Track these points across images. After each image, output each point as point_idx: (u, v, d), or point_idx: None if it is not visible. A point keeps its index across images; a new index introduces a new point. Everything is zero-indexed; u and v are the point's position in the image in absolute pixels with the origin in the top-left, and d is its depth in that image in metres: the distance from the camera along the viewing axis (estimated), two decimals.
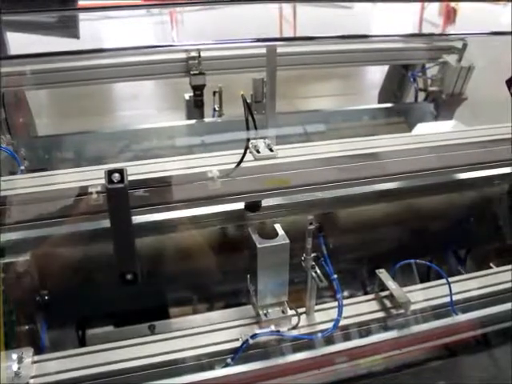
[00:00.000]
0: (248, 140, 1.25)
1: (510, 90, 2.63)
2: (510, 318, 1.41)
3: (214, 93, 2.33)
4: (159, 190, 1.15)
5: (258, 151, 1.25)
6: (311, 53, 2.55)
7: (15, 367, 1.13)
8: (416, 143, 1.50)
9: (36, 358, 1.18)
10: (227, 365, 1.23)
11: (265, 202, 1.41)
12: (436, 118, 2.67)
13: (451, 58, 2.53)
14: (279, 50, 2.43)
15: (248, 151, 1.24)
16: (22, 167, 1.58)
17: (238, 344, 1.24)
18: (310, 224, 1.21)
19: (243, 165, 1.21)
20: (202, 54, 2.20)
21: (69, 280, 1.39)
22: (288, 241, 1.23)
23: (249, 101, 2.33)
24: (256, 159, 1.24)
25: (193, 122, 2.35)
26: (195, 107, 2.32)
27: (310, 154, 1.28)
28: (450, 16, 6.09)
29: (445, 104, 2.62)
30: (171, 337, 1.27)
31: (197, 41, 1.94)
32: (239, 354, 1.23)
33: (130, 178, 1.07)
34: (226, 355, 1.24)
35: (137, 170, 1.17)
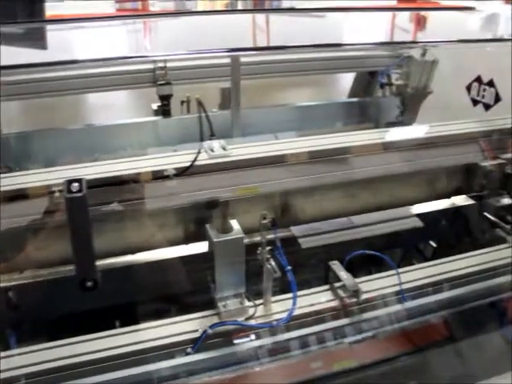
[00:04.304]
0: (202, 140, 1.32)
1: (469, 94, 2.74)
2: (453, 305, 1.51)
3: (182, 102, 2.37)
4: (117, 189, 1.21)
5: (213, 150, 1.32)
6: (281, 61, 2.63)
7: None
8: (373, 143, 1.59)
9: (3, 353, 1.23)
10: (188, 354, 1.30)
11: None
12: (402, 112, 2.76)
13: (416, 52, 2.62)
14: (249, 59, 2.52)
15: (203, 151, 1.31)
16: None
17: (198, 334, 1.31)
18: (264, 218, 1.29)
19: (197, 163, 1.28)
20: (171, 64, 2.25)
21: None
22: (243, 235, 1.31)
23: (215, 110, 2.41)
24: (210, 157, 1.31)
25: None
26: (163, 117, 2.35)
27: (261, 152, 1.35)
28: (420, 23, 6.21)
29: (410, 98, 2.71)
30: (134, 329, 1.33)
31: (161, 51, 1.97)
32: (199, 343, 1.30)
33: (88, 177, 1.13)
34: (186, 345, 1.31)
35: (94, 171, 1.23)
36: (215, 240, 1.29)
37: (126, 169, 1.24)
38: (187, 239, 1.51)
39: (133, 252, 1.42)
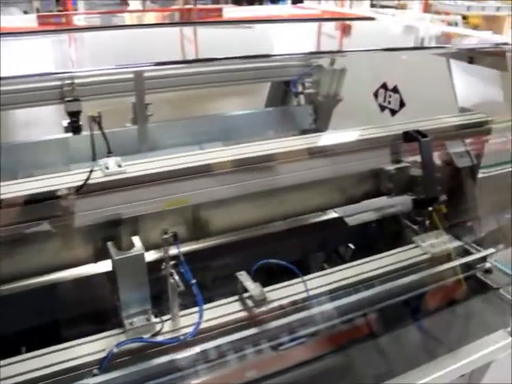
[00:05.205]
0: (95, 159, 1.31)
1: (376, 100, 2.82)
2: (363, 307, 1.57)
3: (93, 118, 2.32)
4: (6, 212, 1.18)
5: (108, 168, 1.31)
6: (197, 73, 2.63)
7: None
8: (279, 152, 1.61)
9: None
10: (95, 375, 1.28)
11: None
12: (315, 120, 2.81)
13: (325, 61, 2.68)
14: (164, 72, 2.50)
15: (98, 169, 1.30)
16: None
17: (104, 354, 1.29)
18: (165, 233, 1.29)
19: (92, 181, 1.26)
20: (80, 80, 2.20)
21: None
22: (143, 251, 1.30)
23: (129, 124, 2.39)
24: (105, 175, 1.30)
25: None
26: (73, 134, 2.29)
27: (155, 167, 1.35)
28: (345, 30, 6.38)
29: (321, 105, 2.77)
30: (40, 354, 1.30)
31: (61, 68, 1.90)
32: (105, 363, 1.28)
33: None
34: (93, 366, 1.29)
35: None
36: (115, 258, 1.28)
37: (16, 191, 1.21)
38: (95, 258, 1.48)
39: (32, 275, 1.39)
